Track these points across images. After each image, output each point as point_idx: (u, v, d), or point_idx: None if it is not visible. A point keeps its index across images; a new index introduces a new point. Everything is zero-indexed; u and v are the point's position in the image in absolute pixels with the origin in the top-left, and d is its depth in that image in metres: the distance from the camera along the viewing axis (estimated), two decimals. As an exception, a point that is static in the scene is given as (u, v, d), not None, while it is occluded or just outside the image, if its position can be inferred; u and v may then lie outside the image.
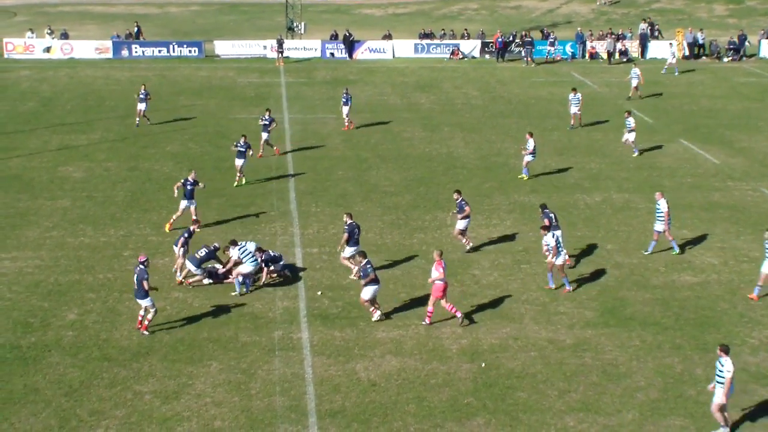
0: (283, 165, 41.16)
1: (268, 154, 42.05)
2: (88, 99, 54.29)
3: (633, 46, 70.25)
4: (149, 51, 68.46)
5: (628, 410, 21.77)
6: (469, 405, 21.96)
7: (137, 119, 47.65)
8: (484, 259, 30.68)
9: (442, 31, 73.81)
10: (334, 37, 70.82)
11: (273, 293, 27.93)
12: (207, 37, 73.83)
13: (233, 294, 27.76)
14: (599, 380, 23.07)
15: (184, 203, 32.95)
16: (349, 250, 28.98)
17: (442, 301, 25.87)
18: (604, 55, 68.49)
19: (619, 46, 68.53)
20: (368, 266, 25.85)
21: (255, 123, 46.42)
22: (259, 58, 68.37)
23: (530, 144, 38.94)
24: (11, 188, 37.58)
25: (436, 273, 25.50)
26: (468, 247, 31.30)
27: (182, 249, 28.45)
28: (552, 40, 69.21)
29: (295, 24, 73.47)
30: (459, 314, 25.95)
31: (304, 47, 69.88)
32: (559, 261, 27.88)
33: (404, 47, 70.31)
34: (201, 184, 33.48)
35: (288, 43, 68.77)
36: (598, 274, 29.60)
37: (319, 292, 27.91)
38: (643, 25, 72.02)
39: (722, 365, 20.43)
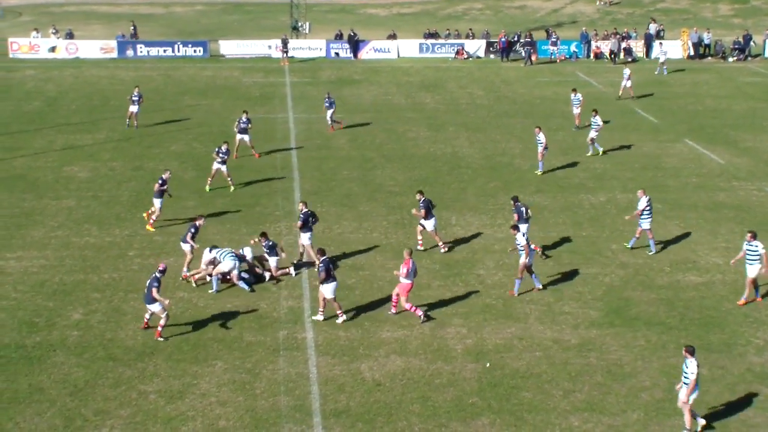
0: (287, 165, 41.17)
1: (245, 153, 41.72)
2: (93, 99, 54.35)
3: (638, 46, 70.16)
4: (154, 51, 68.52)
5: (633, 410, 21.75)
6: (473, 405, 21.95)
7: (127, 120, 47.40)
8: (488, 259, 30.67)
9: (447, 31, 73.82)
10: (339, 36, 70.83)
11: (278, 293, 27.95)
12: (212, 36, 73.88)
13: (210, 292, 27.98)
14: (604, 380, 23.05)
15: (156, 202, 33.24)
16: (304, 237, 29.62)
17: (403, 300, 25.99)
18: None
19: (623, 45, 68.42)
20: (324, 264, 25.77)
21: (258, 123, 46.50)
22: (263, 57, 68.40)
23: (542, 138, 39.27)
24: (16, 188, 37.64)
25: (402, 270, 25.73)
26: (443, 249, 31.29)
27: (189, 245, 28.60)
28: (554, 39, 69.17)
29: (299, 24, 73.49)
30: (420, 313, 26.09)
31: (309, 47, 69.90)
32: (529, 261, 27.77)
33: (409, 47, 70.31)
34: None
35: (293, 43, 68.80)
36: (603, 274, 29.58)
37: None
38: (653, 26, 72.01)
39: (687, 366, 20.52)
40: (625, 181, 39.29)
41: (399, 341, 24.96)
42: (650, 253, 31.25)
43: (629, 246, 31.60)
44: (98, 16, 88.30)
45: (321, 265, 25.70)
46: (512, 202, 31.26)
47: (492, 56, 69.75)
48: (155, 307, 24.68)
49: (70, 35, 70.04)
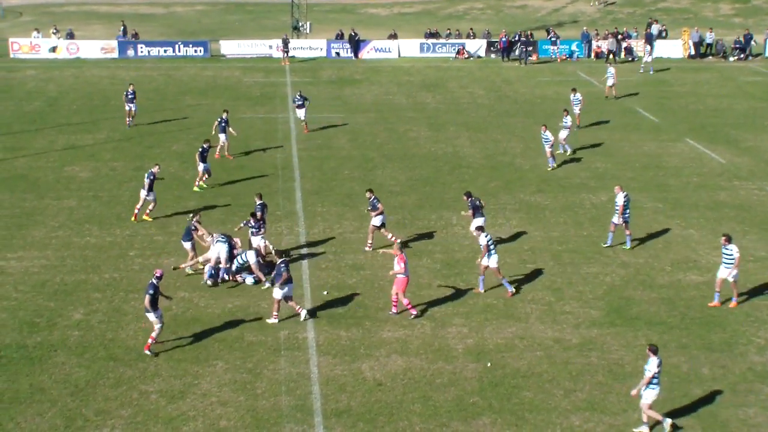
0: (288, 164, 41.18)
1: (237, 153, 41.83)
2: (94, 99, 54.36)
3: (638, 45, 70.13)
4: (155, 51, 68.55)
5: (634, 410, 21.72)
6: (474, 404, 21.95)
7: (128, 119, 47.57)
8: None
9: (448, 31, 73.81)
10: (340, 36, 70.84)
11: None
12: (212, 36, 73.91)
13: (202, 283, 28.31)
14: (605, 380, 23.04)
15: (143, 193, 33.71)
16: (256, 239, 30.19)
17: (401, 295, 26.02)
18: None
19: (624, 45, 68.37)
20: (282, 266, 25.74)
21: (260, 122, 46.55)
22: (264, 57, 68.42)
23: (549, 136, 40.14)
24: (17, 188, 37.65)
25: (398, 267, 25.75)
26: (367, 248, 31.30)
27: (191, 242, 28.76)
28: (554, 39, 69.17)
29: (300, 23, 73.51)
30: (414, 312, 26.16)
31: (310, 47, 69.91)
32: (493, 263, 27.61)
33: (410, 47, 70.31)
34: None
35: (293, 43, 68.81)
36: (604, 273, 29.57)
37: (325, 292, 27.92)
38: (656, 26, 72.04)
39: (647, 364, 20.66)
40: (627, 180, 39.22)
41: (400, 341, 24.95)
42: (604, 246, 31.57)
43: (627, 247, 31.64)
44: (99, 16, 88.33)
45: (282, 266, 25.75)
46: (465, 198, 31.46)
47: (493, 56, 69.75)
48: (151, 317, 24.06)
49: (70, 35, 70.09)
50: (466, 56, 69.30)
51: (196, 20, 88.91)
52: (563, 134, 42.46)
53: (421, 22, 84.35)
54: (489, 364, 23.76)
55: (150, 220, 33.79)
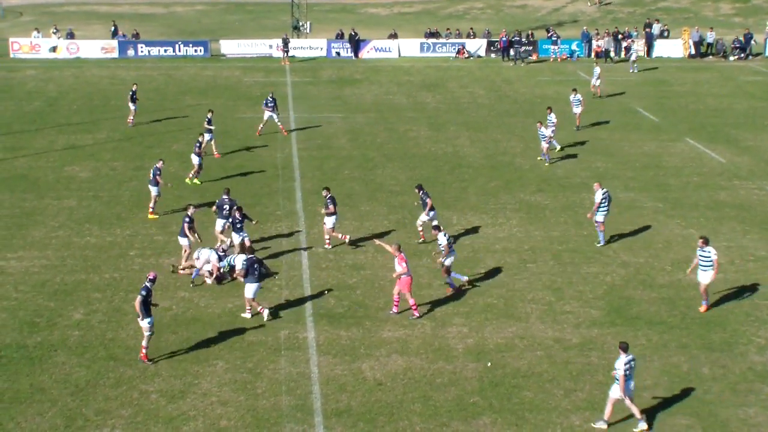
0: (288, 164, 41.18)
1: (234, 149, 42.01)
2: (94, 99, 54.37)
3: (639, 45, 70.13)
4: (155, 50, 68.55)
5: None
6: (475, 404, 21.95)
7: (131, 118, 47.85)
8: (489, 258, 30.66)
9: (448, 31, 73.79)
10: (340, 36, 70.83)
11: (279, 293, 27.94)
12: (213, 36, 73.91)
13: (191, 286, 28.37)
14: (605, 379, 23.01)
15: (152, 189, 34.25)
16: (219, 223, 30.84)
17: (407, 295, 25.99)
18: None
19: (624, 44, 68.33)
20: (255, 263, 25.98)
21: (260, 122, 46.49)
22: (264, 57, 68.42)
23: (544, 132, 40.69)
24: (17, 188, 37.65)
25: (400, 268, 25.73)
26: (327, 246, 31.32)
27: (187, 239, 28.78)
28: (555, 38, 69.17)
29: (300, 23, 73.51)
30: (417, 314, 26.18)
31: (310, 46, 69.91)
32: (448, 262, 27.72)
33: (410, 46, 70.30)
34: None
35: (293, 43, 68.80)
36: (605, 273, 29.56)
37: (325, 292, 27.92)
38: (657, 26, 72.08)
39: (616, 362, 20.73)
40: (626, 180, 39.28)
41: (400, 341, 24.95)
42: (598, 245, 31.55)
43: (600, 245, 31.68)
44: (99, 16, 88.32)
45: (245, 261, 25.99)
46: (417, 191, 31.75)
47: (493, 55, 69.73)
48: (142, 323, 23.42)
49: (70, 35, 70.09)
50: (467, 56, 69.29)
51: (196, 20, 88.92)
52: (549, 132, 42.63)
53: (421, 21, 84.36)
54: (489, 364, 23.75)
55: (155, 217, 33.82)
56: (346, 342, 24.90)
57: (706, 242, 26.48)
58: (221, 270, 28.46)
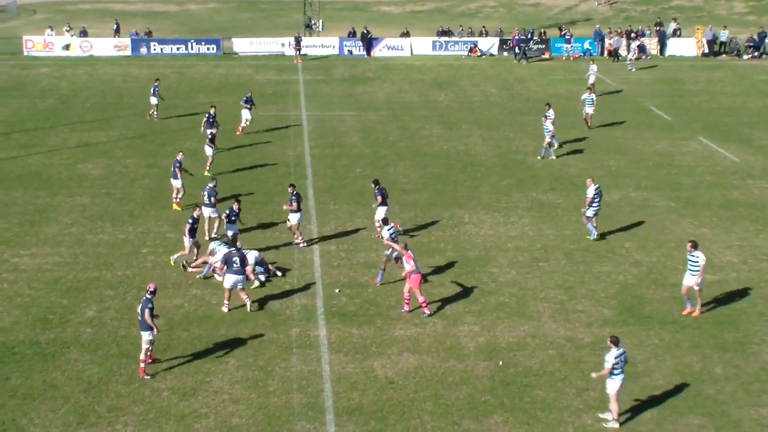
0: (301, 162, 41.21)
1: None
2: (107, 96, 54.51)
3: (652, 44, 69.97)
4: (168, 48, 68.67)
5: (647, 409, 21.69)
6: (486, 403, 21.93)
7: (153, 112, 48.53)
8: (501, 257, 30.63)
9: (460, 28, 73.69)
10: (352, 34, 70.82)
11: (290, 291, 27.96)
12: (225, 34, 73.98)
13: (198, 277, 28.56)
14: (617, 379, 22.97)
15: (174, 182, 34.69)
16: (207, 210, 31.32)
17: (417, 293, 26.03)
18: (623, 53, 68.33)
19: (637, 42, 68.09)
20: (235, 256, 26.39)
21: (272, 120, 46.59)
22: (277, 55, 68.46)
23: (549, 126, 41.20)
24: (31, 185, 37.77)
25: (408, 266, 25.78)
26: (302, 244, 31.33)
27: (190, 239, 28.86)
28: (568, 37, 69.03)
29: (313, 21, 73.52)
30: (428, 311, 26.26)
31: (322, 45, 69.92)
32: (391, 255, 27.90)
33: (422, 44, 70.25)
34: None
35: (306, 41, 68.84)
36: (617, 272, 29.50)
37: (337, 290, 27.93)
38: (673, 24, 71.89)
39: (607, 354, 20.85)
40: (639, 179, 39.18)
41: (412, 339, 24.95)
42: (588, 238, 31.80)
43: (591, 238, 31.91)
44: (112, 14, 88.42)
45: (231, 254, 26.41)
46: (373, 186, 31.98)
47: (505, 54, 69.60)
48: (146, 335, 22.90)
49: (84, 33, 70.25)
50: (479, 54, 69.20)
51: (208, 18, 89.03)
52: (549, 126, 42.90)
53: (433, 20, 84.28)
54: (501, 363, 23.73)
55: (179, 209, 34.08)
56: (358, 340, 24.91)
57: (695, 246, 26.08)
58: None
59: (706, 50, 69.76)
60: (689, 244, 26.21)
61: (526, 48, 67.36)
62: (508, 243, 31.87)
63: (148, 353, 23.09)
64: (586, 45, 69.58)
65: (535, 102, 53.92)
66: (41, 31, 71.68)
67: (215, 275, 28.41)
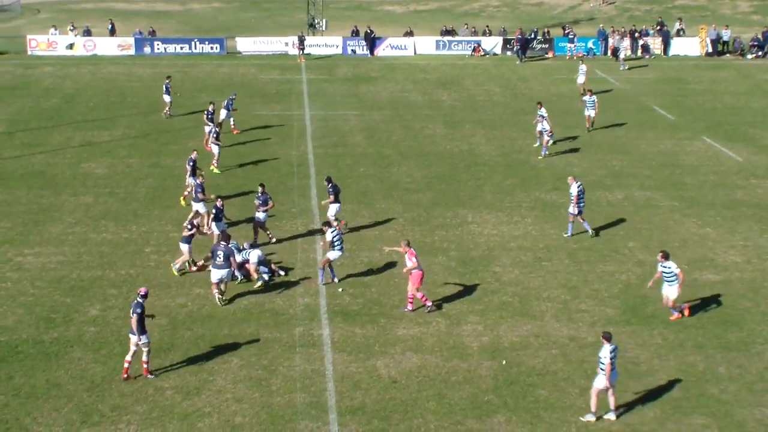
0: (304, 162, 41.22)
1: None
2: (111, 96, 54.54)
3: (655, 43, 69.89)
4: (171, 48, 68.66)
5: (650, 408, 21.68)
6: (489, 402, 21.92)
7: (167, 110, 49.07)
8: (505, 256, 30.62)
9: (465, 27, 73.60)
10: (355, 33, 70.81)
11: (294, 290, 27.97)
12: (229, 33, 73.98)
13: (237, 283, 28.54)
14: (620, 378, 22.89)
15: (189, 180, 34.79)
16: (197, 204, 31.84)
17: (413, 289, 26.19)
18: (627, 52, 68.27)
19: (626, 42, 67.78)
20: (219, 250, 26.73)
21: (276, 119, 46.61)
22: (280, 54, 68.46)
23: (546, 126, 41.58)
24: (35, 184, 37.81)
25: (410, 263, 25.81)
26: (273, 240, 31.55)
27: (188, 246, 28.87)
28: (572, 36, 68.95)
29: (316, 21, 73.50)
30: (429, 303, 26.46)
31: (326, 44, 69.88)
32: (332, 256, 27.99)
33: (426, 44, 70.21)
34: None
35: (309, 40, 68.83)
36: (620, 271, 29.48)
37: (340, 289, 27.93)
38: (677, 24, 71.81)
39: (600, 352, 20.98)
40: (643, 178, 39.15)
41: (415, 338, 24.95)
42: (565, 235, 32.14)
43: (590, 234, 32.17)
44: (115, 14, 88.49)
45: (218, 250, 26.69)
46: (326, 183, 32.26)
47: (509, 53, 69.53)
48: (142, 339, 22.58)
49: (87, 32, 70.29)
50: (482, 54, 69.16)
51: (212, 17, 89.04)
52: (540, 126, 43.15)
53: (436, 19, 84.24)
54: (504, 362, 23.73)
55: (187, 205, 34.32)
56: (361, 339, 24.91)
57: (666, 257, 25.67)
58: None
59: (710, 50, 69.66)
60: (660, 255, 25.80)
61: (521, 47, 67.27)
62: (511, 242, 31.87)
63: (142, 357, 22.78)
64: (590, 44, 69.49)
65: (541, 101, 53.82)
66: (45, 30, 71.71)
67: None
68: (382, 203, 35.79)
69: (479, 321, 25.99)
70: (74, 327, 25.48)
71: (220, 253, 26.56)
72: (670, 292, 25.80)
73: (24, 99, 53.43)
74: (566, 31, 70.75)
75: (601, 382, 20.97)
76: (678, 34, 71.51)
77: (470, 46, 69.68)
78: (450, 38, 70.93)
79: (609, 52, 68.83)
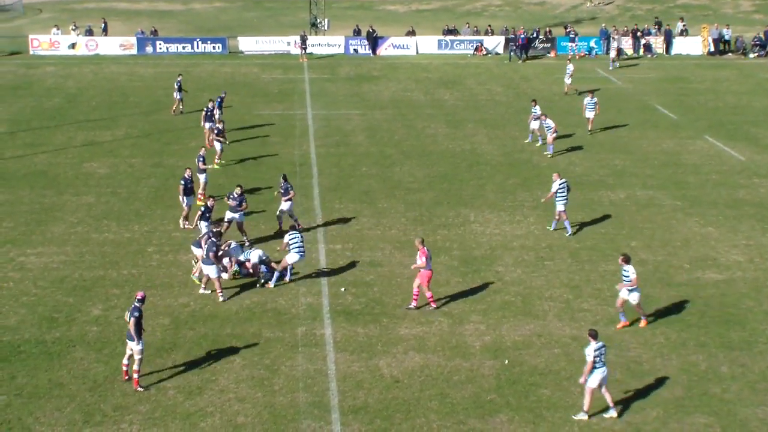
0: (306, 161, 41.22)
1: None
2: (113, 95, 54.55)
3: (657, 42, 69.84)
4: (173, 47, 68.67)
5: (653, 408, 21.67)
6: (492, 402, 21.92)
7: (179, 106, 49.72)
8: (507, 256, 30.61)
9: (467, 26, 73.56)
10: (358, 33, 70.79)
11: (296, 289, 27.98)
12: (231, 33, 73.99)
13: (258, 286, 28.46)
14: (623, 378, 22.96)
15: (200, 177, 35.26)
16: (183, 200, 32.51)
17: (424, 289, 26.12)
18: (629, 51, 68.21)
19: (616, 43, 67.58)
20: (212, 244, 26.95)
21: (278, 119, 46.58)
22: (282, 54, 68.46)
23: (550, 123, 41.63)
24: (37, 184, 37.82)
25: (419, 261, 25.91)
26: (246, 242, 31.45)
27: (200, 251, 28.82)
28: (573, 36, 68.89)
29: (318, 20, 73.49)
30: (434, 305, 26.45)
31: (328, 43, 69.89)
32: (291, 260, 28.04)
33: (428, 43, 70.20)
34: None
35: (311, 40, 68.81)
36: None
37: (343, 289, 27.93)
38: (680, 24, 71.80)
39: (586, 348, 21.05)
40: (645, 178, 39.13)
41: (417, 338, 24.95)
42: (567, 234, 32.18)
43: (551, 228, 32.54)
44: (118, 13, 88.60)
45: (211, 244, 26.88)
46: (281, 180, 32.40)
47: (511, 53, 69.47)
48: (133, 345, 22.25)
49: (89, 32, 70.31)
50: (484, 53, 69.13)
51: (214, 17, 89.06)
52: (535, 125, 43.49)
53: (439, 18, 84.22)
54: (506, 362, 23.72)
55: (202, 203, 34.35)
56: (363, 339, 24.91)
57: (627, 260, 25.15)
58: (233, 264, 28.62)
59: (712, 49, 69.61)
60: (621, 258, 25.40)
61: (514, 47, 67.22)
62: (513, 242, 31.86)
63: (136, 364, 22.41)
64: (592, 44, 69.44)
65: (541, 101, 53.69)
66: (47, 30, 71.73)
67: (222, 274, 28.39)
68: (384, 202, 35.79)
69: (482, 320, 25.99)
70: (76, 327, 25.49)
71: (207, 249, 27.01)
72: (626, 295, 25.22)
73: (26, 99, 53.44)
74: (567, 30, 70.70)
75: (593, 381, 20.92)
76: (681, 33, 71.41)
77: (472, 46, 69.66)
78: (452, 38, 70.89)
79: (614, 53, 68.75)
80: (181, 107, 49.73)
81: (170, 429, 20.78)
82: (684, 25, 72.26)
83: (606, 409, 21.33)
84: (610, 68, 63.04)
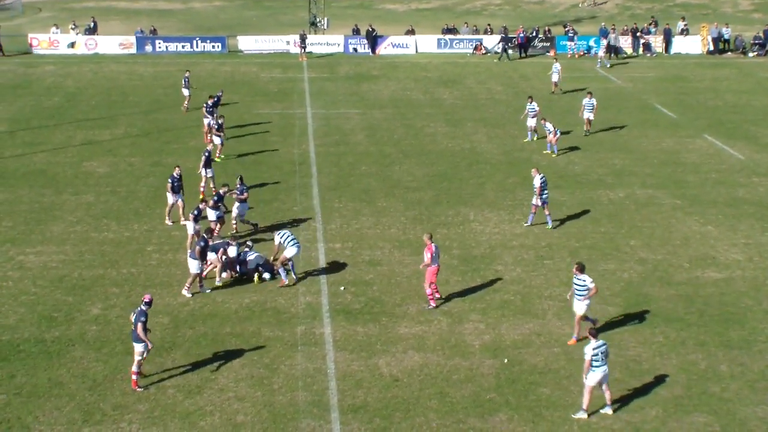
0: (306, 160, 41.22)
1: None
2: (112, 94, 54.53)
3: (657, 41, 69.83)
4: (172, 46, 68.62)
5: (652, 407, 21.68)
6: (491, 401, 21.93)
7: (186, 103, 50.05)
8: (507, 255, 30.61)
9: (465, 25, 73.55)
10: (357, 32, 70.77)
11: (296, 289, 27.98)
12: (230, 32, 73.97)
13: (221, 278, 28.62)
14: (622, 377, 22.97)
15: (203, 171, 35.81)
16: (171, 197, 32.93)
17: (426, 284, 26.33)
18: (629, 50, 68.19)
19: (605, 41, 67.49)
20: (201, 240, 27.44)
21: (277, 117, 46.53)
22: (282, 53, 68.44)
23: (549, 126, 41.67)
24: (36, 183, 37.82)
25: (425, 258, 26.02)
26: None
27: (215, 254, 28.74)
28: (572, 34, 68.87)
29: (318, 19, 73.46)
30: (433, 304, 26.54)
31: (327, 42, 69.86)
32: (291, 253, 28.13)
33: (427, 42, 70.18)
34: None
35: (311, 39, 68.77)
36: (622, 270, 29.47)
37: (342, 288, 27.94)
38: (681, 24, 71.80)
39: (585, 346, 21.12)
40: (644, 177, 39.13)
41: (417, 337, 24.95)
42: (525, 225, 32.88)
43: (549, 226, 32.78)
44: (117, 12, 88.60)
45: (201, 241, 27.29)
46: (238, 181, 32.78)
47: (510, 51, 69.43)
48: (139, 347, 22.23)
49: (89, 31, 70.25)
50: (484, 52, 69.12)
51: (213, 16, 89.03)
52: (531, 123, 43.59)
53: (438, 17, 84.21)
54: (506, 361, 23.73)
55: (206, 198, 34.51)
56: (363, 338, 24.92)
57: (581, 269, 24.29)
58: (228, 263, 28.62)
59: (712, 48, 69.59)
60: (575, 267, 24.54)
61: (507, 46, 67.20)
62: (513, 241, 31.86)
63: (135, 365, 22.44)
64: (591, 43, 69.40)
65: (540, 100, 53.69)
66: (46, 29, 71.70)
67: (222, 274, 28.41)
68: (384, 202, 35.79)
69: (481, 319, 25.99)
70: (76, 326, 25.49)
71: (195, 246, 27.32)
72: (578, 307, 24.35)
73: (25, 98, 53.43)
74: (566, 29, 70.67)
75: (592, 379, 20.94)
76: (682, 33, 71.37)
77: (472, 45, 69.65)
78: (451, 37, 70.87)
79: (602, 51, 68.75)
80: (187, 104, 49.90)
81: (170, 428, 20.79)
82: (685, 25, 72.23)
83: (603, 406, 21.35)
84: (597, 66, 63.01)
